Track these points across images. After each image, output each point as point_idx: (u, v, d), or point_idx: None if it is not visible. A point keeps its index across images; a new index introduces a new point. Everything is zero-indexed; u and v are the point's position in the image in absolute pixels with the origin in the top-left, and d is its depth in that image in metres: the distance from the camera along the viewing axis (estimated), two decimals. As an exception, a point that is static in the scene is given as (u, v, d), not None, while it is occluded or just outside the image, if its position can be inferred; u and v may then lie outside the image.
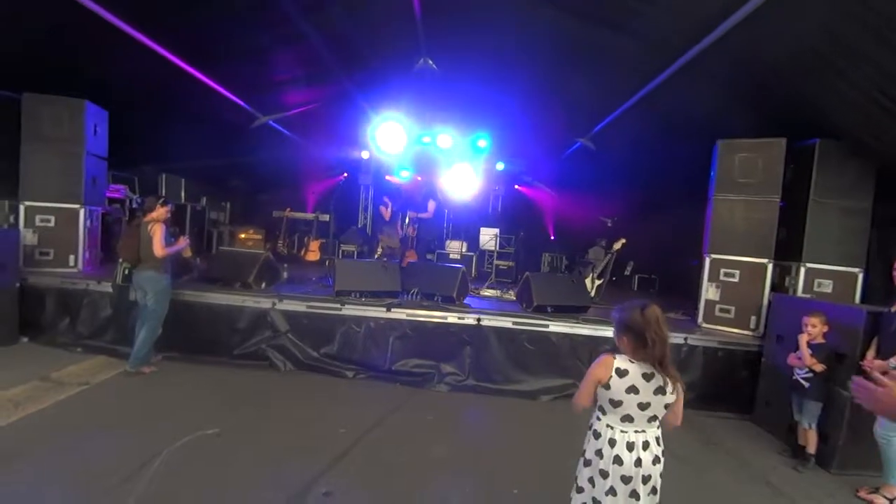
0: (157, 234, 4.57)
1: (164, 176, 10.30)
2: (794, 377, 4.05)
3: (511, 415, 4.69)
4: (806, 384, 3.95)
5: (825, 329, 3.94)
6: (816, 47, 4.00)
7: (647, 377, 1.99)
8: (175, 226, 9.15)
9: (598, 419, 2.12)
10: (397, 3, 5.16)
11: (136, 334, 4.70)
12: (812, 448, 3.94)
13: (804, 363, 3.91)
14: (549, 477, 2.33)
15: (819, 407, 3.92)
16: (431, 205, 7.90)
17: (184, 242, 4.89)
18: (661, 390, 2.00)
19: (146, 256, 4.62)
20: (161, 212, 4.72)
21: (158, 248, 4.53)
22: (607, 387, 2.02)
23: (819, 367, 3.86)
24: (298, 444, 3.62)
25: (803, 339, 3.95)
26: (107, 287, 5.33)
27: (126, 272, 4.81)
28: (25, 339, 5.36)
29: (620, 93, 6.14)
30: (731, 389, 5.13)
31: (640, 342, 1.98)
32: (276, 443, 3.60)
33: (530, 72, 6.72)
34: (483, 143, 8.93)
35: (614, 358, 2.03)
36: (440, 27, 5.70)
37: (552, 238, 11.92)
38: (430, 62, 6.63)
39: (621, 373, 2.00)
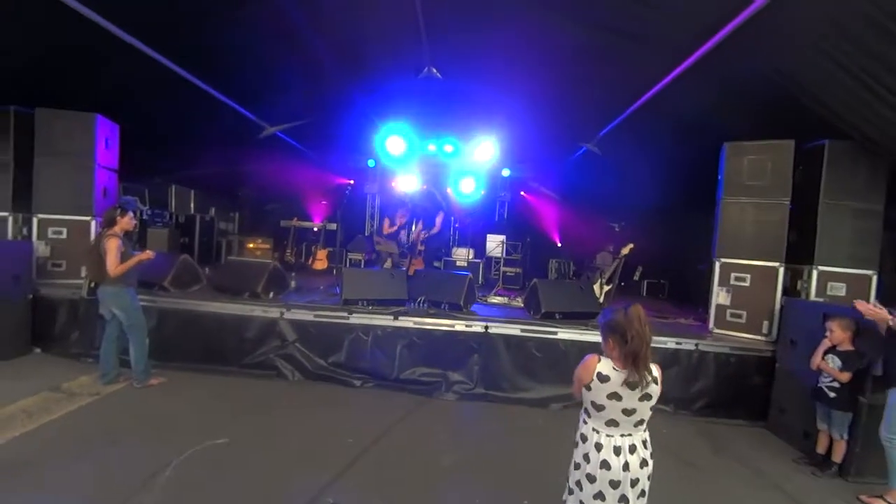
0: (111, 250, 4.21)
1: (173, 187, 10.46)
2: (817, 385, 3.89)
3: (520, 423, 4.65)
4: (831, 393, 3.78)
5: (848, 334, 3.76)
6: (824, 46, 3.97)
7: (631, 385, 1.96)
8: (184, 236, 9.32)
9: (584, 423, 2.10)
10: (401, 10, 5.21)
11: (105, 349, 4.58)
12: (839, 457, 3.80)
13: (835, 377, 3.75)
14: (558, 487, 2.31)
15: (849, 417, 3.73)
16: (439, 218, 7.94)
17: (145, 256, 4.47)
18: (647, 397, 1.99)
19: (105, 272, 4.28)
20: (123, 223, 4.34)
21: (111, 267, 4.21)
22: (588, 388, 2.02)
23: (845, 377, 3.69)
24: (306, 453, 3.61)
25: (825, 364, 3.83)
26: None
27: (92, 286, 4.52)
28: (38, 350, 5.43)
29: (626, 96, 6.13)
30: (744, 396, 5.04)
31: (623, 342, 1.96)
32: (284, 452, 3.59)
33: (536, 76, 6.73)
34: (488, 149, 8.94)
35: (598, 360, 2.02)
36: (444, 34, 5.74)
37: (559, 244, 11.87)
38: (435, 70, 6.67)
39: (602, 378, 1.98)
